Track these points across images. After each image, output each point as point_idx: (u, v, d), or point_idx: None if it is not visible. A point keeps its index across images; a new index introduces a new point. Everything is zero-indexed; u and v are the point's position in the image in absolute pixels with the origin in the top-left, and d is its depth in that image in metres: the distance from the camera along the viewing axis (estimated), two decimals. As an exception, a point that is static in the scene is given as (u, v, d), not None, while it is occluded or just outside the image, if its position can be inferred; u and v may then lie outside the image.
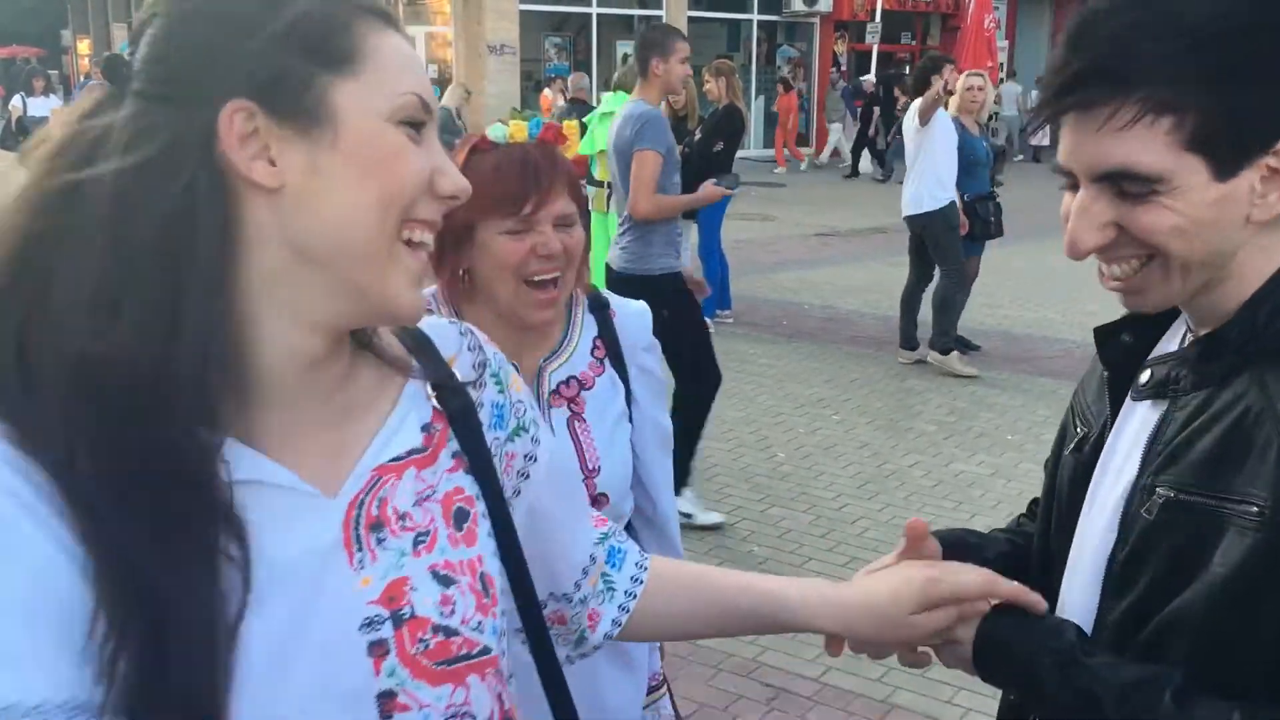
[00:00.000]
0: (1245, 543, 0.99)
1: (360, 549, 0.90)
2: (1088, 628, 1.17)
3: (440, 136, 0.94)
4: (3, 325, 0.77)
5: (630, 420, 1.88)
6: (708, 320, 8.77)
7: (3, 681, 0.69)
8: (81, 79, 14.06)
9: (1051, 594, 1.27)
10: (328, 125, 0.85)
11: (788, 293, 10.38)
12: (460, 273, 1.73)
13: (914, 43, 25.67)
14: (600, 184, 8.85)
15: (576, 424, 1.80)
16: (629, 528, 2.03)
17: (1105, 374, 1.23)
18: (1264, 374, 1.04)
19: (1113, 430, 1.21)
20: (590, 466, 1.78)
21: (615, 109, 8.63)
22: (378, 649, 0.89)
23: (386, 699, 0.88)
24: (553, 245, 1.68)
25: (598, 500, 1.80)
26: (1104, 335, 1.25)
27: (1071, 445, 1.27)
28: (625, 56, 21.01)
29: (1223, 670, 1.03)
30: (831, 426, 6.55)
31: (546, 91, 15.14)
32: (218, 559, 0.78)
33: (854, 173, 20.69)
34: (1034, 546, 1.38)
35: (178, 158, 0.80)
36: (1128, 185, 1.04)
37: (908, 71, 24.41)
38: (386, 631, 0.89)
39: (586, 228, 1.78)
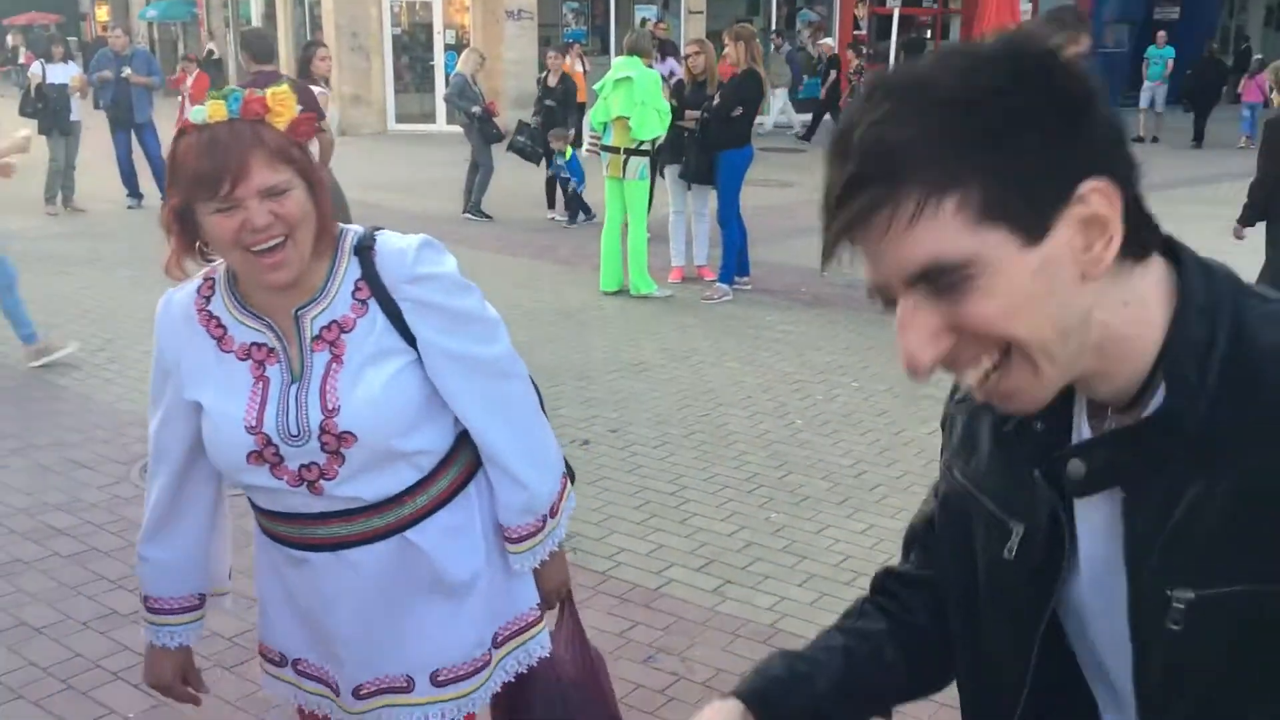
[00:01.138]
0: None
1: None
2: None
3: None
4: None
5: (418, 356, 1.87)
6: (726, 286, 8.80)
7: None
8: (99, 46, 14.02)
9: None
10: None
11: (807, 259, 10.30)
12: (197, 245, 1.82)
13: (935, 6, 25.33)
14: (615, 150, 8.81)
15: (333, 365, 1.84)
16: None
17: (1040, 476, 1.07)
18: (1245, 441, 0.93)
19: (1081, 527, 1.07)
20: (329, 406, 1.82)
21: (629, 73, 8.60)
22: None
23: None
24: (257, 219, 1.71)
25: (343, 438, 1.82)
26: (1014, 432, 1.10)
27: (1015, 546, 1.10)
28: (643, 21, 20.85)
29: None
30: (850, 394, 6.52)
31: (565, 58, 15.00)
32: None
33: (808, 137, 20.38)
34: (959, 653, 1.24)
35: None
36: (940, 281, 0.92)
37: (930, 36, 24.25)
38: None
39: (320, 183, 1.80)
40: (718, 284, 8.90)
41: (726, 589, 4.20)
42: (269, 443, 1.84)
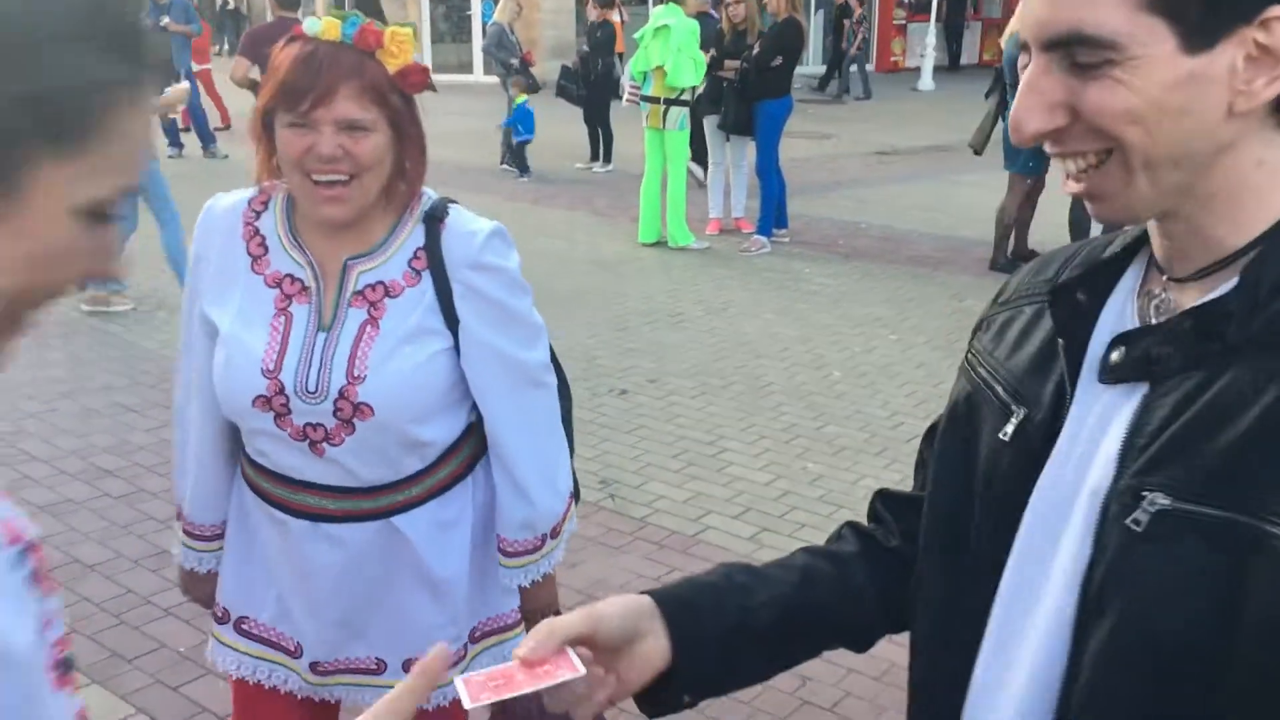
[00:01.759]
0: None
1: None
2: (1053, 655, 0.93)
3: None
4: None
5: (456, 342, 1.80)
6: (763, 238, 8.77)
7: None
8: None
9: (954, 608, 1.05)
10: (14, 201, 0.78)
11: (845, 211, 10.25)
12: (272, 159, 1.77)
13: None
14: (656, 100, 8.76)
15: (368, 328, 1.76)
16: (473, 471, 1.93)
17: (1061, 343, 0.99)
18: None
19: (1069, 415, 0.97)
20: (355, 374, 1.74)
21: (667, 21, 8.54)
22: None
23: None
24: (325, 147, 1.66)
25: (360, 409, 1.74)
26: (1055, 294, 1.02)
27: (1010, 430, 1.01)
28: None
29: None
30: (888, 346, 6.51)
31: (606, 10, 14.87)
32: None
33: (821, 88, 20.02)
34: (920, 551, 1.13)
35: None
36: (1079, 54, 0.85)
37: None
38: (27, 563, 0.87)
39: (412, 139, 1.74)
40: (755, 236, 8.87)
41: (763, 536, 4.24)
42: (281, 391, 1.76)
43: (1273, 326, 0.84)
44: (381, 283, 1.78)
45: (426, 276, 1.78)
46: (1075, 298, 1.00)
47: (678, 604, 1.10)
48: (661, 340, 6.58)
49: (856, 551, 1.21)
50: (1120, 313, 0.98)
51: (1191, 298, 0.92)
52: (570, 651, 1.00)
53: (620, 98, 10.33)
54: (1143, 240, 1.00)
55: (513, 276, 1.84)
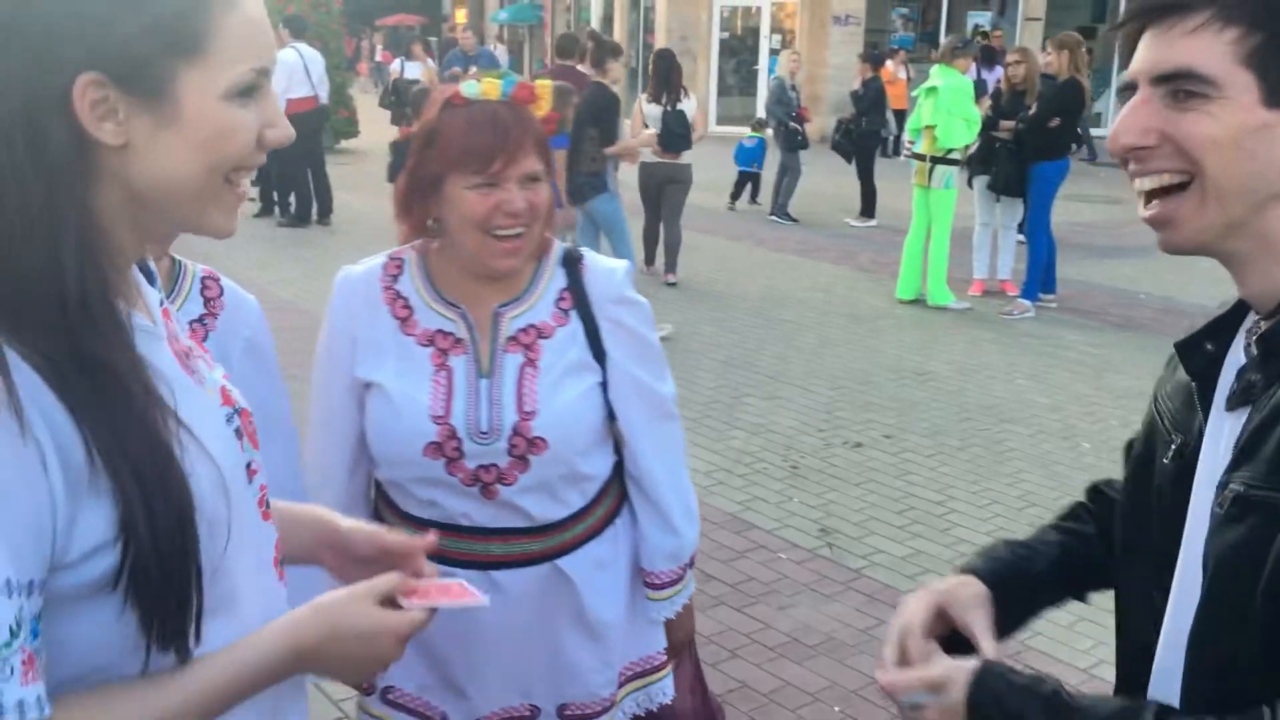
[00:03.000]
0: None
1: (193, 373, 1.17)
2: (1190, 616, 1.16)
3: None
4: None
5: (604, 376, 1.87)
6: (1027, 302, 8.51)
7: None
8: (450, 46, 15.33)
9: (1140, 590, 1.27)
10: (170, 104, 1.03)
11: (1123, 280, 9.80)
12: (429, 220, 1.82)
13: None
14: (923, 158, 8.72)
15: (527, 369, 1.82)
16: (621, 499, 1.99)
17: (1194, 386, 1.21)
18: None
19: (1205, 441, 1.19)
20: (526, 409, 1.80)
21: (936, 83, 8.50)
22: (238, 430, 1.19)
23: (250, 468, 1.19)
24: (517, 203, 1.74)
25: (535, 444, 1.80)
26: (1186, 348, 1.23)
27: (1171, 453, 1.25)
28: (975, 28, 20.32)
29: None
30: (1148, 421, 6.18)
31: (888, 64, 14.90)
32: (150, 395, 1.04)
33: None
34: (1118, 538, 1.36)
35: (40, 110, 0.99)
36: (1181, 85, 1.06)
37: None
38: (235, 420, 1.19)
39: (568, 183, 1.86)
40: (1019, 299, 8.63)
41: (980, 602, 4.15)
42: (453, 436, 1.79)
43: None
44: (533, 325, 1.85)
45: (574, 315, 1.87)
46: (1205, 347, 1.22)
47: (994, 577, 1.39)
48: (905, 397, 6.53)
49: (1094, 533, 1.47)
50: (1237, 351, 1.19)
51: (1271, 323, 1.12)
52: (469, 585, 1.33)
53: (885, 154, 10.36)
54: None
55: (648, 311, 1.94)
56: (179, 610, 1.04)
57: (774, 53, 20.53)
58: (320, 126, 11.46)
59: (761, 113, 13.54)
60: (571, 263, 1.91)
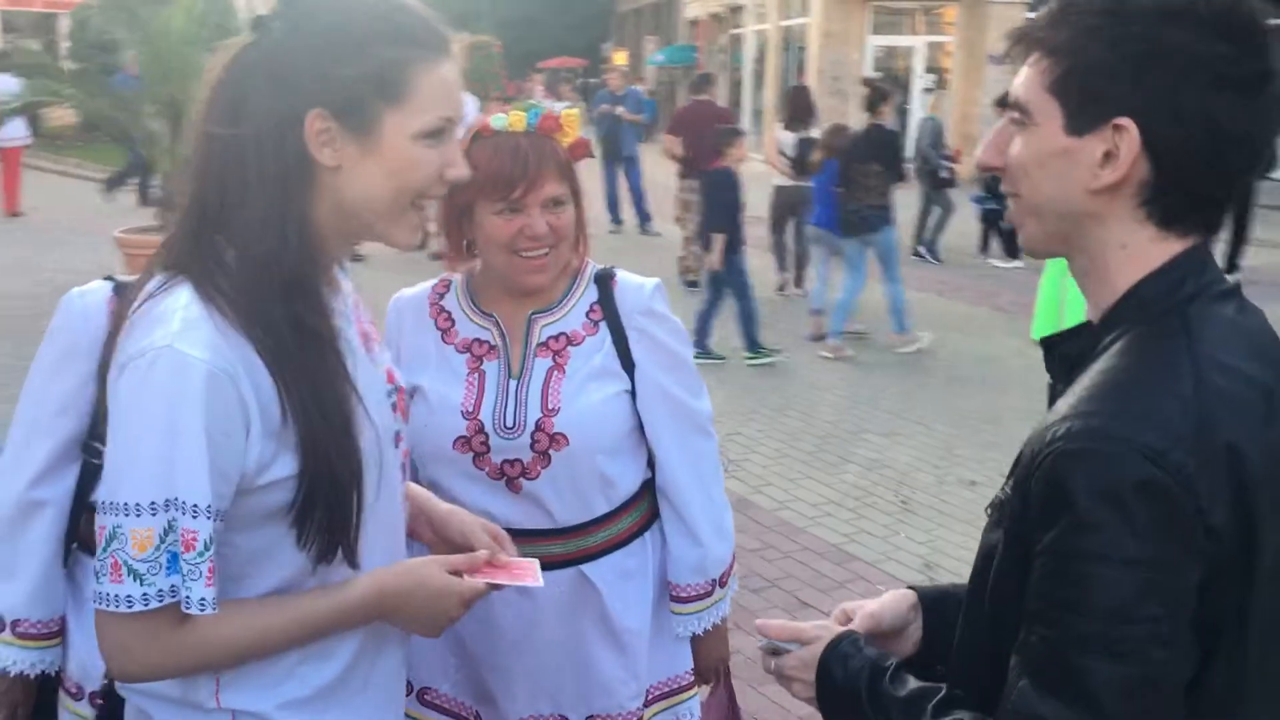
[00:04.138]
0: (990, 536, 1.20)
1: (370, 352, 1.52)
2: None
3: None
4: (209, 235, 1.34)
5: (633, 384, 1.97)
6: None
7: (189, 486, 1.26)
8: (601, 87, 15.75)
9: None
10: (374, 138, 1.33)
11: None
12: (465, 243, 1.98)
13: None
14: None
15: (555, 373, 1.95)
16: (646, 511, 2.04)
17: (1050, 384, 1.29)
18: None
19: None
20: (550, 406, 1.92)
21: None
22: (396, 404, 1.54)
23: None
24: (538, 227, 1.88)
25: (556, 439, 1.91)
26: (1048, 345, 1.28)
27: None
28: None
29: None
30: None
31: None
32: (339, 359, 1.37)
33: None
34: None
35: (281, 132, 1.31)
36: (1013, 113, 1.17)
37: None
38: (394, 396, 1.55)
39: (581, 205, 1.97)
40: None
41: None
42: (480, 430, 1.91)
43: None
44: (564, 333, 1.97)
45: (604, 327, 1.98)
46: (1063, 350, 1.27)
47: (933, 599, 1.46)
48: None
49: None
50: None
51: None
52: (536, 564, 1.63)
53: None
54: None
55: (679, 326, 2.04)
56: (344, 534, 1.35)
57: (926, 91, 20.37)
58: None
59: (911, 149, 13.45)
60: (604, 280, 2.03)
